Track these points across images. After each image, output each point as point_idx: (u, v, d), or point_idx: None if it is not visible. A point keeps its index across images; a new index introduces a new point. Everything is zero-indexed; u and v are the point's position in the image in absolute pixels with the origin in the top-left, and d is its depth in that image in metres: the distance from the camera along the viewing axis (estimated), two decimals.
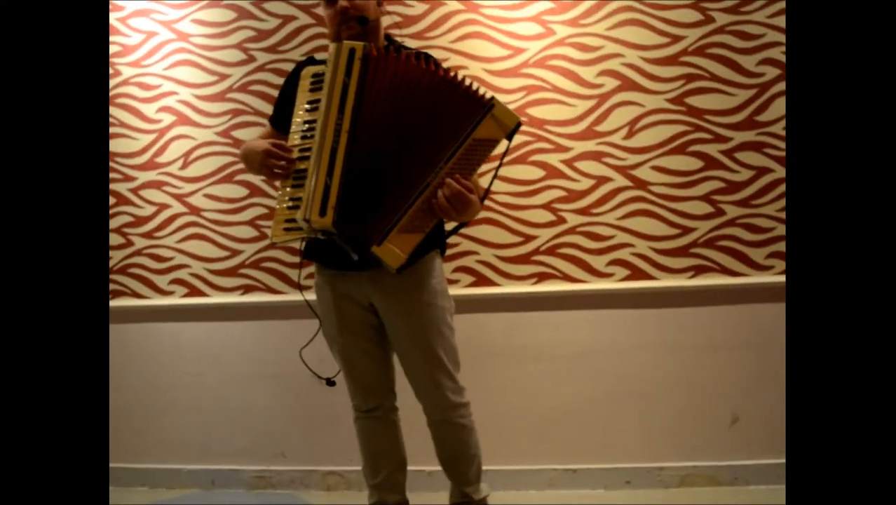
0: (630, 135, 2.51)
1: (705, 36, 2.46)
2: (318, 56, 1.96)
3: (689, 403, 2.52)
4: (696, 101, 2.48)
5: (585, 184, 2.54)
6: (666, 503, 2.44)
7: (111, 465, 2.82)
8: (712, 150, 2.48)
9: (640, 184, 2.51)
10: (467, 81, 1.71)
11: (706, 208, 2.49)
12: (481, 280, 2.59)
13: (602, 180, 2.53)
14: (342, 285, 1.94)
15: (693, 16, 2.47)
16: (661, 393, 2.53)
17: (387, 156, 1.71)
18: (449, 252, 2.59)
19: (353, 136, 1.69)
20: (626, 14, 2.49)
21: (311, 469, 2.70)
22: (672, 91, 2.49)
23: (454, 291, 2.55)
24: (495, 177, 1.92)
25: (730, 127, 2.46)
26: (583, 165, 2.54)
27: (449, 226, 1.98)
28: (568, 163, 2.54)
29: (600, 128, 2.52)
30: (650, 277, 2.53)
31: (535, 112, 2.54)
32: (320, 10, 2.00)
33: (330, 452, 2.69)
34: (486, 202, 2.53)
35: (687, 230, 2.50)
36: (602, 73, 2.51)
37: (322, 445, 2.70)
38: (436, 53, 2.52)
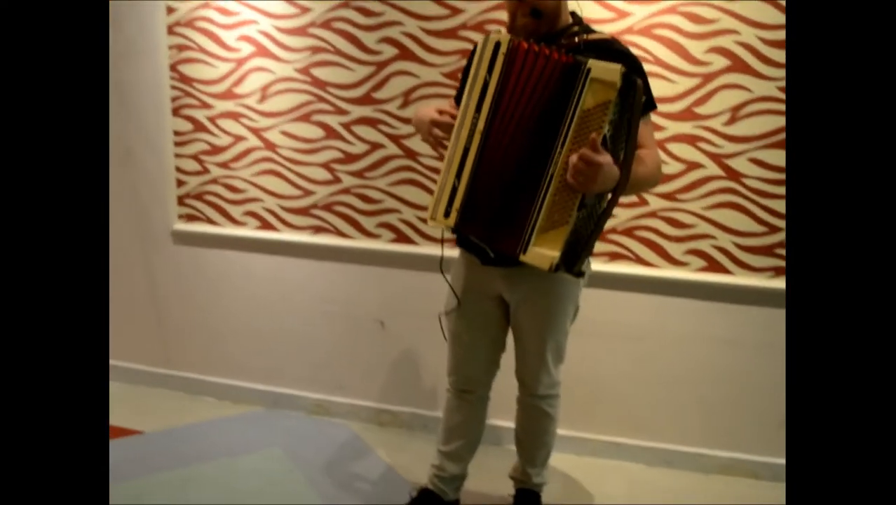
0: (732, 121, 2.32)
1: None
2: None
3: (741, 399, 2.51)
4: None
5: (675, 168, 2.39)
6: (702, 487, 2.51)
7: (181, 373, 3.02)
8: None
9: (734, 175, 2.36)
10: (566, 55, 1.57)
11: None
12: None
13: (693, 166, 2.38)
14: (475, 273, 1.96)
15: None
16: (716, 385, 2.52)
17: (515, 157, 1.65)
18: None
19: (485, 137, 1.66)
20: None
21: (367, 404, 2.83)
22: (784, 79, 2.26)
23: None
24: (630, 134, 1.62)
25: None
26: (675, 148, 2.38)
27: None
28: (659, 143, 2.38)
29: (700, 110, 2.34)
30: (726, 272, 2.43)
31: None
32: None
33: (385, 390, 2.82)
34: None
35: (774, 229, 2.37)
36: (712, 49, 2.29)
37: (378, 384, 2.82)
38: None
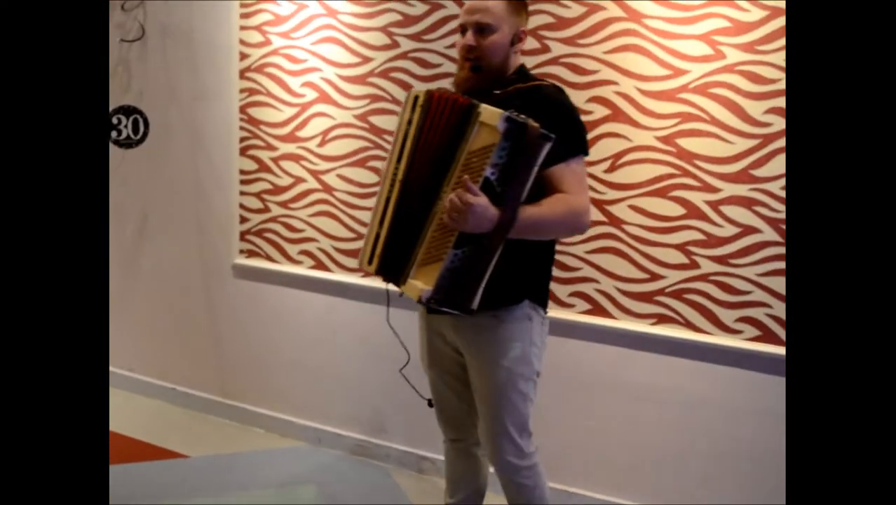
0: None
1: None
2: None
3: None
4: None
5: (729, 231, 2.29)
6: None
7: (234, 403, 3.12)
8: None
9: None
10: (462, 98, 1.65)
11: None
12: (597, 309, 2.47)
13: (748, 230, 2.27)
14: (430, 321, 1.99)
15: None
16: (774, 464, 2.35)
17: (419, 194, 1.71)
18: (568, 275, 2.48)
19: (403, 185, 1.73)
20: None
21: (407, 450, 2.82)
22: None
23: (567, 315, 2.48)
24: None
25: None
26: (729, 210, 2.28)
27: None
28: (713, 205, 2.29)
29: (758, 172, 2.23)
30: (783, 343, 2.29)
31: (686, 144, 2.28)
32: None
33: (427, 437, 2.79)
34: (616, 231, 2.39)
35: None
36: (771, 110, 2.19)
37: (420, 430, 2.81)
38: (584, 63, 2.35)
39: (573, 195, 1.72)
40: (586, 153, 1.80)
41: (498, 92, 1.78)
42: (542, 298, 1.90)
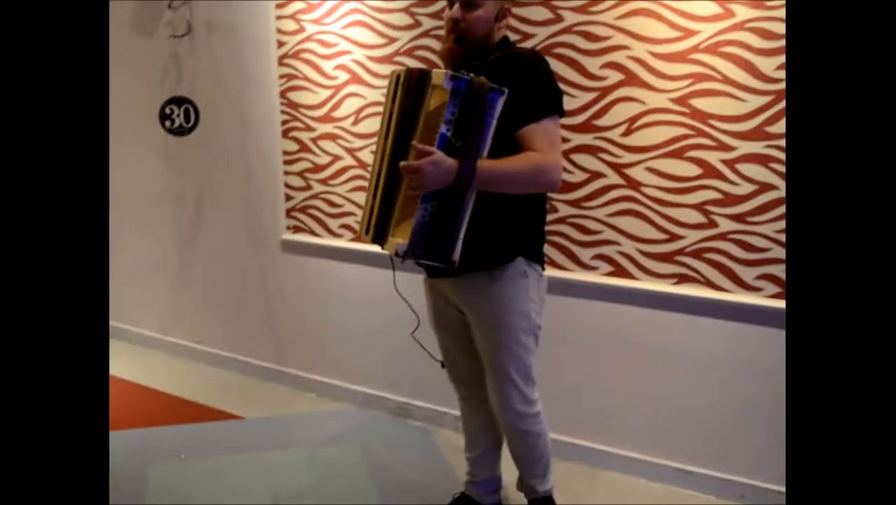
0: None
1: None
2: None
3: None
4: None
5: (746, 188, 2.30)
6: None
7: (289, 370, 3.34)
8: None
9: None
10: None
11: None
12: (620, 271, 2.53)
13: (765, 187, 2.27)
14: (432, 286, 2.12)
15: None
16: None
17: (397, 164, 1.78)
18: (590, 238, 2.55)
19: (391, 158, 1.81)
20: None
21: (445, 410, 2.97)
22: None
23: (590, 277, 2.55)
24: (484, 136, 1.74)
25: None
26: (745, 168, 2.29)
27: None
28: (729, 163, 2.30)
29: (772, 129, 2.23)
30: None
31: (699, 104, 2.30)
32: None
33: None
34: (635, 194, 2.44)
35: None
36: (783, 66, 2.18)
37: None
38: (597, 30, 2.40)
39: (541, 153, 1.79)
40: (561, 113, 1.87)
41: (477, 63, 1.86)
42: (535, 254, 1.99)
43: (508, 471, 2.32)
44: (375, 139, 2.86)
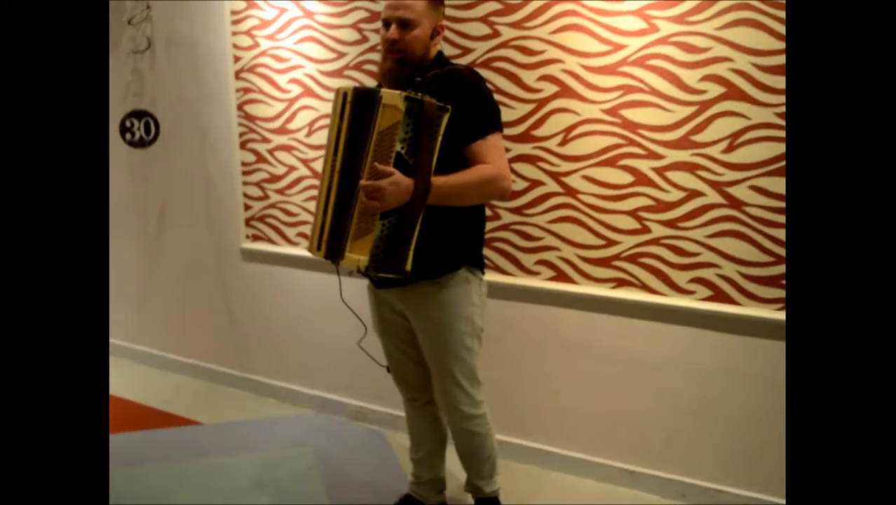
0: (730, 149, 2.29)
1: None
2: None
3: (761, 437, 2.41)
4: None
5: (675, 195, 2.39)
6: None
7: (250, 376, 3.41)
8: None
9: (735, 203, 2.31)
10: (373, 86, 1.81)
11: None
12: (561, 276, 2.61)
13: (693, 194, 2.36)
14: (377, 295, 2.18)
15: None
16: (734, 420, 2.45)
17: (350, 179, 1.85)
18: (532, 245, 2.63)
19: (340, 175, 1.87)
20: (740, 13, 2.19)
21: (399, 414, 3.03)
22: (784, 105, 2.19)
23: (534, 282, 2.64)
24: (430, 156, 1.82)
25: None
26: (674, 176, 2.38)
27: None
28: (659, 171, 2.39)
29: (698, 138, 2.32)
30: (734, 303, 2.37)
31: (630, 114, 2.39)
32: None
33: None
34: (572, 201, 2.52)
35: (780, 259, 2.28)
36: (706, 77, 2.28)
37: None
38: (532, 45, 2.49)
39: (489, 165, 1.89)
40: (501, 130, 1.96)
41: (419, 80, 1.95)
42: (477, 261, 2.08)
43: (457, 473, 2.40)
44: None
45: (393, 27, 1.94)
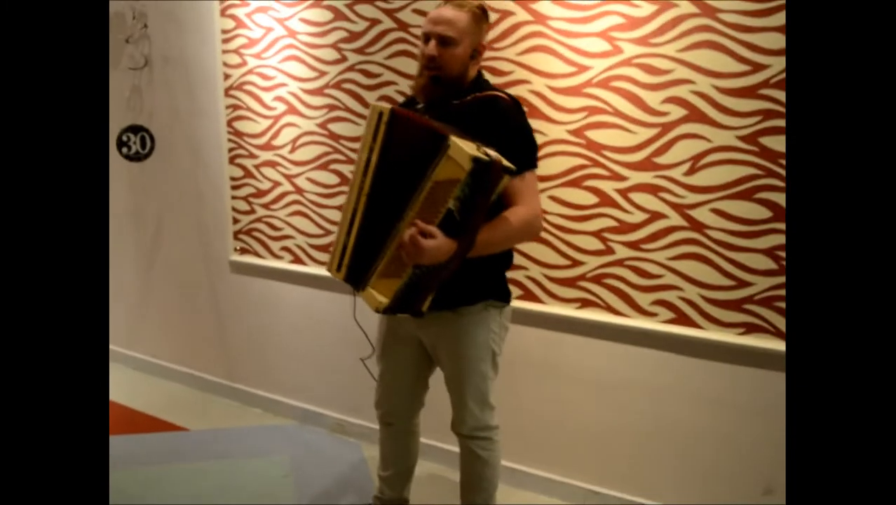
0: (692, 171, 2.27)
1: None
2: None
3: (720, 460, 2.39)
4: (772, 141, 2.15)
5: (638, 217, 2.38)
6: None
7: (238, 385, 3.48)
8: (783, 199, 2.16)
9: (697, 226, 2.29)
10: (434, 123, 1.70)
11: (768, 264, 2.21)
12: (528, 295, 2.62)
13: (656, 216, 2.35)
14: (391, 319, 2.15)
15: (781, 41, 2.09)
16: (694, 444, 2.42)
17: (385, 213, 1.81)
18: None
19: (369, 198, 1.82)
20: (702, 35, 2.19)
21: (376, 427, 3.05)
22: (745, 128, 2.18)
23: None
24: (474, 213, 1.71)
25: None
26: (637, 197, 2.37)
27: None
28: (623, 193, 2.39)
29: (660, 160, 2.32)
30: (696, 326, 2.35)
31: (594, 135, 2.40)
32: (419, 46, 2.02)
33: None
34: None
35: (743, 284, 2.26)
36: (668, 99, 2.27)
37: None
38: (501, 66, 2.52)
39: (525, 206, 1.84)
40: (536, 166, 1.94)
41: (457, 102, 1.90)
42: (500, 294, 2.04)
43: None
44: (310, 167, 3.02)
45: (432, 43, 1.88)
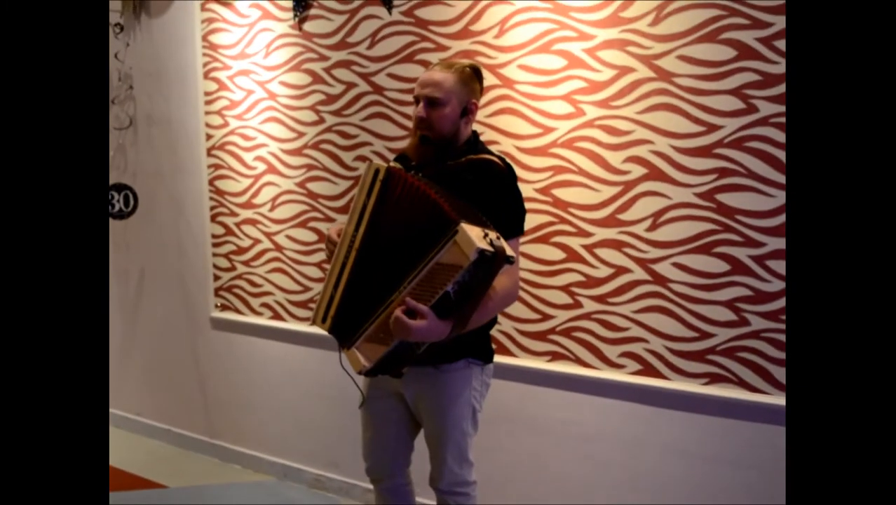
0: (654, 227, 2.36)
1: (745, 127, 2.19)
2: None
3: None
4: (728, 198, 2.24)
5: (604, 271, 2.46)
6: None
7: (217, 442, 3.49)
8: (741, 253, 2.24)
9: (660, 280, 2.37)
10: (445, 203, 1.70)
11: (728, 315, 2.28)
12: (500, 349, 2.67)
13: (621, 270, 2.43)
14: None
15: (734, 104, 2.21)
16: (667, 494, 2.45)
17: (377, 274, 1.82)
18: None
19: (359, 254, 1.84)
20: (659, 98, 2.30)
21: (355, 483, 3.08)
22: (702, 185, 2.27)
23: None
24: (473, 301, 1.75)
25: (764, 231, 2.20)
26: (603, 253, 2.45)
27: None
28: (588, 248, 2.47)
29: (623, 216, 2.40)
30: (662, 377, 2.41)
31: (561, 194, 2.49)
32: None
33: None
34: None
35: (705, 335, 2.32)
36: (629, 159, 2.37)
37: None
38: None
39: (508, 276, 1.86)
40: (523, 233, 2.01)
41: (451, 163, 1.94)
42: (482, 353, 2.07)
43: None
44: (290, 224, 3.10)
45: (421, 105, 1.94)
